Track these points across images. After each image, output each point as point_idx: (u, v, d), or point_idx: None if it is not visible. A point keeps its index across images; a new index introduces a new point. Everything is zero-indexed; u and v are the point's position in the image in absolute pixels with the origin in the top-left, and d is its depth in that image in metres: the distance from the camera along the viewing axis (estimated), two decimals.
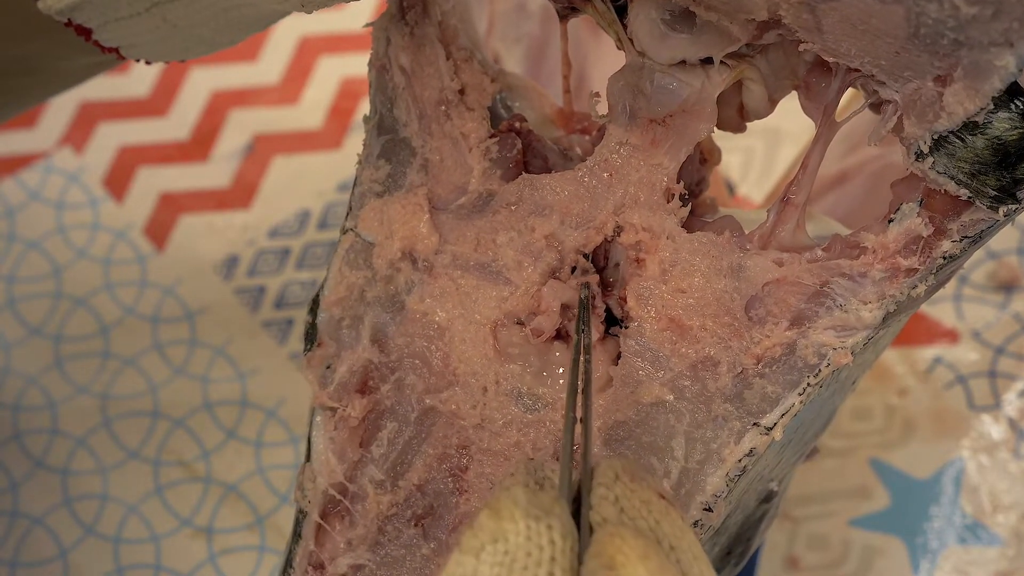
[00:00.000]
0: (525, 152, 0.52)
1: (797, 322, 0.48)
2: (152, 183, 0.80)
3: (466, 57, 0.53)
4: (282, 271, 0.77)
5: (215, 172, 0.80)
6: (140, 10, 0.52)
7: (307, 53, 0.84)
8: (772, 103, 0.51)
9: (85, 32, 0.54)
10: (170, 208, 0.79)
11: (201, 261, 0.78)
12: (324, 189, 0.80)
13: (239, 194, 0.80)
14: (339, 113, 0.82)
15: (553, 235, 0.50)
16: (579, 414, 0.47)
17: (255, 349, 0.75)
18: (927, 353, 0.73)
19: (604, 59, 0.65)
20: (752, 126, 0.53)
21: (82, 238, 0.78)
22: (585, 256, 0.50)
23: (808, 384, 0.48)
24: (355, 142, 0.81)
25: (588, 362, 0.47)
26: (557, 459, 0.51)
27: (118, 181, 0.80)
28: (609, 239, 0.50)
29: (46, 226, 0.79)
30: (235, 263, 0.77)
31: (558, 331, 0.51)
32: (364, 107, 0.82)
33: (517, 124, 0.53)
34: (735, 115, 0.51)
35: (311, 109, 0.82)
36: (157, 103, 0.82)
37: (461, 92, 0.52)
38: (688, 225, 0.50)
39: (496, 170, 0.51)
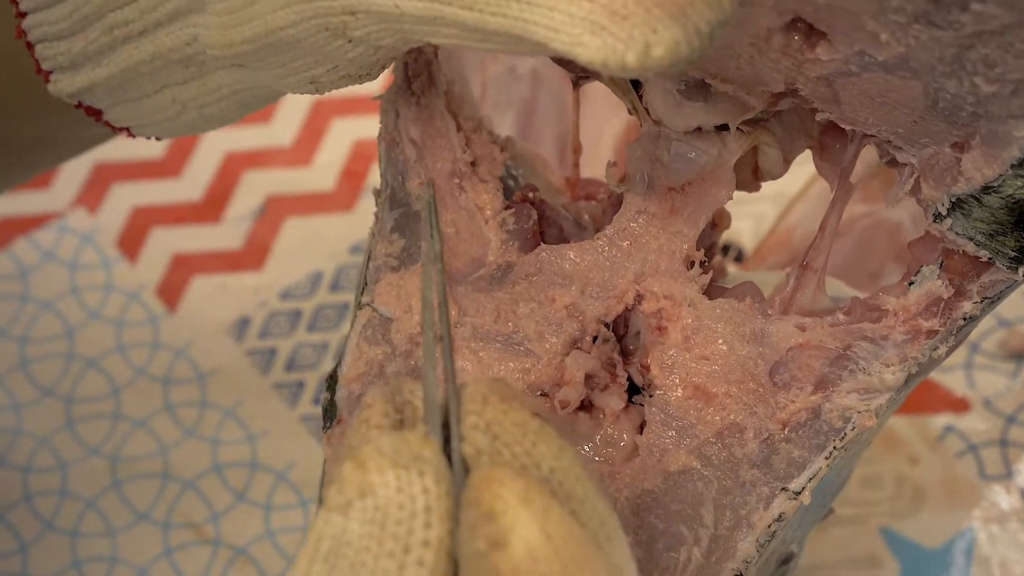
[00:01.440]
0: (540, 221, 0.52)
1: (821, 386, 0.49)
2: (165, 244, 0.80)
3: (475, 127, 0.54)
4: (293, 333, 0.77)
5: (228, 233, 0.81)
6: (150, 92, 0.53)
7: (320, 115, 0.84)
8: (787, 163, 0.51)
9: (95, 113, 0.55)
10: (183, 269, 0.79)
11: (213, 322, 0.78)
12: (336, 251, 0.80)
13: (251, 255, 0.80)
14: (352, 176, 0.82)
15: (574, 305, 0.50)
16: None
17: (266, 411, 0.75)
18: (938, 421, 0.73)
19: (591, 112, 0.65)
20: (762, 192, 0.53)
21: (95, 299, 0.78)
22: (606, 325, 0.51)
23: (834, 447, 0.48)
24: (368, 204, 0.81)
25: (440, 272, 0.45)
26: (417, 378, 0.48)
27: (131, 242, 0.80)
28: (630, 307, 0.51)
29: (59, 287, 0.79)
30: (246, 325, 0.78)
31: (581, 401, 0.51)
32: (377, 170, 0.82)
33: (530, 194, 0.53)
34: (750, 176, 0.51)
35: (324, 171, 0.83)
36: (170, 164, 0.83)
37: (473, 164, 0.53)
38: (707, 291, 0.51)
39: (514, 241, 0.52)
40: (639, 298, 0.50)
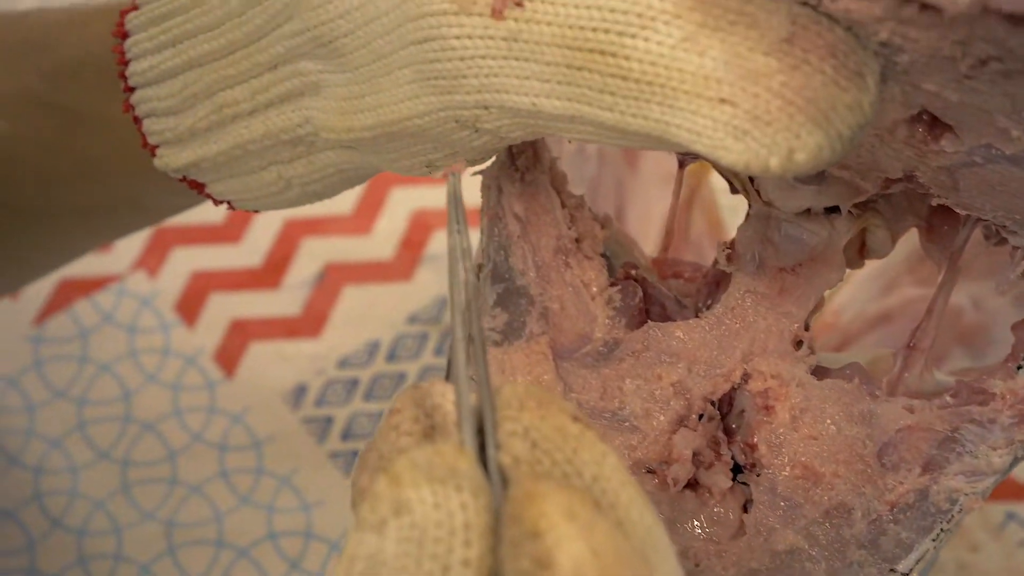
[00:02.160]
0: (644, 299, 0.53)
1: (929, 468, 0.49)
2: (223, 309, 0.80)
3: (577, 204, 0.54)
4: (350, 402, 0.77)
5: (286, 300, 0.80)
6: (256, 168, 0.53)
7: (380, 184, 0.84)
8: (894, 242, 0.51)
9: (198, 186, 0.55)
10: (241, 335, 0.79)
11: (270, 389, 0.77)
12: (394, 320, 0.80)
13: (309, 323, 0.80)
14: (410, 245, 0.82)
15: (681, 383, 0.50)
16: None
17: (321, 480, 0.74)
18: (999, 509, 0.73)
19: (641, 191, 0.65)
20: None
21: (153, 362, 0.78)
22: (712, 403, 0.51)
23: (941, 529, 0.48)
24: (426, 274, 0.81)
25: (470, 269, 0.43)
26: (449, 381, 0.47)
27: (190, 306, 0.80)
28: (736, 386, 0.51)
29: (118, 349, 0.78)
30: (303, 392, 0.77)
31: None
32: (436, 240, 0.82)
33: (632, 271, 0.53)
34: (855, 255, 0.52)
35: (382, 240, 0.83)
36: (230, 230, 0.83)
37: (578, 240, 0.53)
38: (813, 371, 0.51)
39: (621, 318, 0.52)
40: (746, 377, 0.50)
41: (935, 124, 0.44)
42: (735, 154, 0.41)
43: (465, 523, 0.37)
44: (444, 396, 0.41)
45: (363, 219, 0.83)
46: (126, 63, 0.54)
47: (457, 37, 0.44)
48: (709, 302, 0.55)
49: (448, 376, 0.53)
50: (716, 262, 0.55)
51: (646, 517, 0.39)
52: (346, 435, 0.76)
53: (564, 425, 0.39)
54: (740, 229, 0.51)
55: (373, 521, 0.37)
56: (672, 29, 0.41)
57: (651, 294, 0.53)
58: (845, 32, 0.41)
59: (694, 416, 0.50)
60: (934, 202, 0.47)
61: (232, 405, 0.77)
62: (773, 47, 0.40)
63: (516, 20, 0.43)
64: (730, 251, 0.51)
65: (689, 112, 0.41)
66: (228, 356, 0.79)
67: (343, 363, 0.79)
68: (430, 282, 0.81)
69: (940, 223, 0.50)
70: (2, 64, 0.59)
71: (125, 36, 0.54)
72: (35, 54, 0.59)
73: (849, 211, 0.50)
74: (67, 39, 0.58)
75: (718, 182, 0.59)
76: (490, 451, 0.39)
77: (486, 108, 0.45)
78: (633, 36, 0.42)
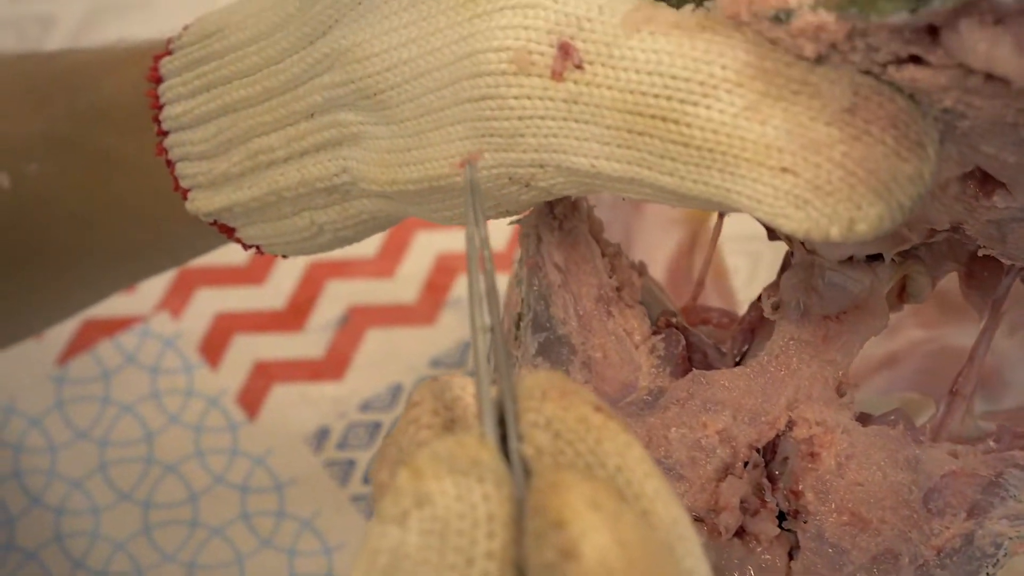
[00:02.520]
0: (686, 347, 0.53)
1: (974, 513, 0.49)
2: (247, 351, 0.80)
3: (616, 252, 0.54)
4: (372, 445, 0.77)
5: (309, 342, 0.80)
6: (289, 214, 0.53)
7: (404, 227, 0.84)
8: (934, 286, 0.52)
9: (229, 230, 0.55)
10: (264, 377, 0.79)
11: (292, 431, 0.77)
12: (416, 364, 0.80)
13: (332, 365, 0.80)
14: (434, 288, 0.82)
15: (726, 431, 0.50)
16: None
17: (343, 523, 0.74)
18: None
19: (646, 235, 0.65)
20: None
21: (175, 404, 0.78)
22: (756, 451, 0.51)
23: (987, 573, 0.48)
24: (449, 318, 0.81)
25: (489, 259, 0.43)
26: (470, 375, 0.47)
27: (213, 348, 0.80)
28: (780, 433, 0.51)
29: (141, 390, 0.78)
30: (326, 435, 0.77)
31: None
32: (460, 284, 0.82)
33: (673, 319, 0.53)
34: (895, 299, 0.52)
35: (406, 283, 0.83)
36: (254, 271, 0.82)
37: (618, 289, 0.53)
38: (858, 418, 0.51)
39: (665, 367, 0.52)
40: (791, 424, 0.50)
41: (987, 180, 0.45)
42: (796, 222, 0.41)
43: (488, 514, 0.37)
44: (463, 389, 0.41)
45: (387, 262, 0.83)
46: (160, 107, 0.54)
47: (516, 97, 0.44)
48: (745, 348, 0.55)
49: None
50: (751, 309, 0.56)
51: (671, 508, 0.38)
52: (368, 478, 0.76)
53: (587, 415, 0.39)
54: (784, 277, 0.51)
55: (395, 514, 0.37)
56: (734, 98, 0.42)
57: (692, 342, 0.53)
58: (906, 101, 0.41)
59: (740, 464, 0.50)
60: (980, 252, 0.48)
61: (254, 447, 0.77)
62: (835, 117, 0.41)
63: (576, 83, 0.44)
64: (775, 299, 0.51)
65: (750, 180, 0.41)
66: (251, 398, 0.78)
67: (365, 406, 0.78)
68: (454, 326, 0.81)
69: (981, 269, 0.50)
70: (34, 105, 0.59)
71: (159, 80, 0.54)
72: (67, 96, 0.59)
73: (892, 259, 0.50)
74: (99, 81, 0.58)
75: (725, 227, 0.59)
76: (512, 442, 0.38)
77: (542, 167, 0.45)
78: (695, 104, 0.42)
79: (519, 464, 0.38)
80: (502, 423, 0.39)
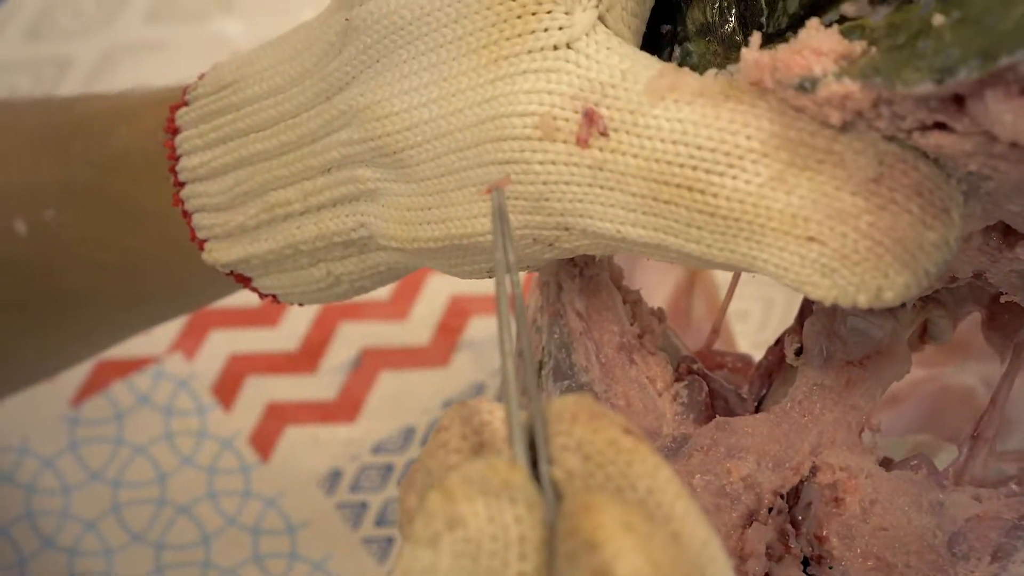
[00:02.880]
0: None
1: (997, 556, 0.49)
2: (260, 393, 0.80)
3: (636, 299, 0.54)
4: (384, 488, 0.77)
5: (322, 384, 0.80)
6: (306, 265, 0.53)
7: (417, 270, 0.85)
8: (955, 328, 0.52)
9: (245, 280, 0.55)
10: (276, 418, 0.79)
11: (305, 474, 0.77)
12: (429, 407, 0.80)
13: (345, 408, 0.80)
14: (447, 330, 0.82)
15: (750, 477, 0.50)
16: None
17: (355, 566, 0.74)
18: None
19: (643, 276, 0.66)
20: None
21: (188, 445, 0.78)
22: (780, 496, 0.51)
23: None
24: (462, 360, 0.81)
25: (517, 283, 0.43)
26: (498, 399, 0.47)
27: (227, 389, 0.80)
28: (804, 479, 0.51)
29: (154, 431, 0.78)
30: (338, 477, 0.77)
31: None
32: (473, 326, 0.82)
33: (694, 366, 0.53)
34: (916, 340, 0.52)
35: (419, 325, 0.83)
36: (268, 313, 0.83)
37: (640, 336, 0.53)
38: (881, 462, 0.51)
39: (688, 413, 0.52)
40: (814, 470, 0.50)
41: (1009, 233, 0.45)
42: (823, 290, 0.41)
43: (520, 536, 0.37)
44: (491, 413, 0.41)
45: (400, 304, 0.83)
46: (177, 158, 0.54)
47: (541, 163, 0.45)
48: (764, 392, 0.55)
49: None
50: (768, 353, 0.56)
51: (701, 530, 0.38)
52: (380, 521, 0.76)
53: (616, 438, 0.39)
54: (807, 323, 0.51)
55: (427, 536, 0.37)
56: (760, 168, 0.42)
57: (714, 388, 0.53)
58: (931, 168, 0.41)
59: (764, 510, 0.50)
60: (1003, 299, 0.48)
61: (267, 489, 0.77)
62: (860, 187, 0.41)
63: (601, 150, 0.44)
64: (798, 345, 0.51)
65: (777, 248, 0.42)
66: (263, 440, 0.78)
67: (378, 449, 0.78)
68: (466, 368, 0.81)
69: (1002, 312, 0.50)
70: (51, 153, 0.59)
71: (176, 132, 0.54)
72: (83, 144, 0.59)
73: (913, 304, 0.50)
74: (116, 130, 0.58)
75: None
76: (542, 465, 0.39)
77: (567, 230, 0.45)
78: (721, 174, 0.42)
79: (550, 487, 0.39)
80: (532, 447, 0.39)
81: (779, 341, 0.55)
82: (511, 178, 0.45)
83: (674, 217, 0.43)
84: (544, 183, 0.45)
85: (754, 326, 0.80)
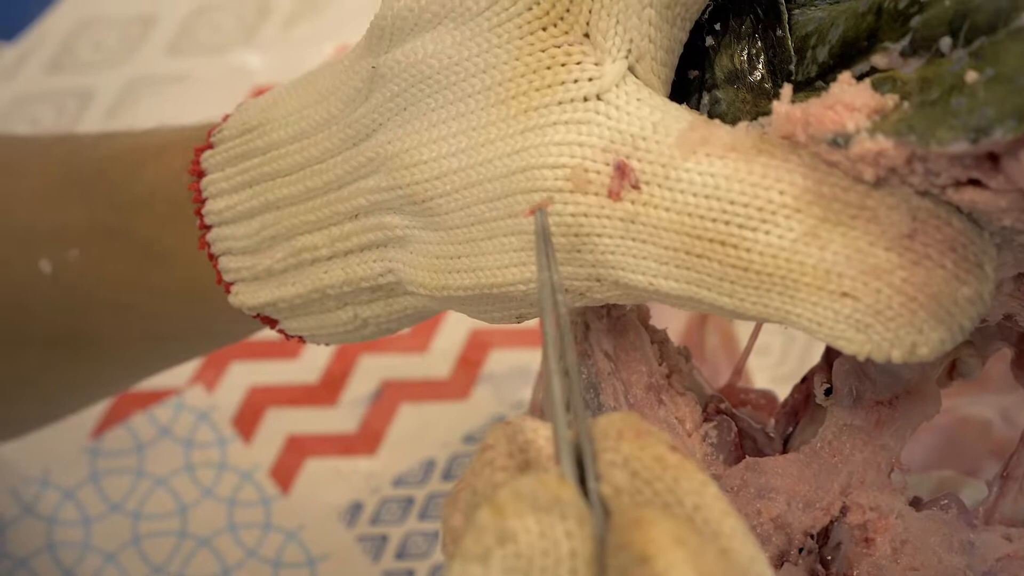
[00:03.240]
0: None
1: None
2: (280, 425, 0.80)
3: (664, 339, 0.54)
4: (405, 521, 0.77)
5: (342, 417, 0.80)
6: (333, 308, 0.53)
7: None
8: (983, 365, 0.52)
9: (271, 322, 0.55)
10: (297, 451, 0.79)
11: (325, 506, 0.77)
12: (450, 440, 0.80)
13: (365, 440, 0.80)
14: (467, 363, 0.82)
15: (781, 517, 0.50)
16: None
17: None
18: None
19: (656, 304, 0.66)
20: None
21: (209, 477, 0.78)
22: (811, 536, 0.51)
23: None
24: (483, 393, 0.81)
25: (562, 304, 0.43)
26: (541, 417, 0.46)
27: (247, 421, 0.80)
28: (834, 519, 0.50)
29: (174, 463, 0.78)
30: (359, 510, 0.77)
31: None
32: (493, 359, 0.82)
33: (721, 405, 0.53)
34: (944, 376, 0.52)
35: (439, 358, 0.83)
36: (288, 345, 0.82)
37: (668, 376, 0.53)
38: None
39: (718, 454, 0.51)
40: (844, 510, 0.50)
41: None
42: (857, 345, 0.42)
43: (571, 551, 0.37)
44: (536, 431, 0.41)
45: (420, 337, 0.83)
46: (202, 201, 0.54)
47: (573, 215, 0.44)
48: (790, 430, 0.55)
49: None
50: (794, 392, 0.56)
51: (749, 547, 0.38)
52: (401, 554, 0.76)
53: (663, 455, 0.39)
54: (837, 364, 0.51)
55: (477, 552, 0.37)
56: (793, 223, 0.42)
57: (742, 428, 0.53)
58: (964, 223, 0.41)
59: (795, 550, 0.50)
60: None
61: (287, 522, 0.77)
62: (894, 242, 0.41)
63: (633, 202, 0.44)
64: (828, 386, 0.51)
65: (810, 303, 0.42)
66: (284, 472, 0.78)
67: (399, 481, 0.78)
68: (487, 401, 0.81)
69: None
70: (76, 193, 0.59)
71: (201, 174, 0.54)
72: (108, 185, 0.58)
73: None
74: (141, 172, 0.58)
75: None
76: (590, 482, 0.39)
77: (599, 281, 0.45)
78: (754, 229, 0.42)
79: (598, 502, 0.39)
80: (579, 464, 0.39)
81: (805, 379, 0.55)
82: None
83: (707, 271, 0.43)
84: (575, 235, 0.45)
85: (774, 360, 0.80)
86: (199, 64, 0.92)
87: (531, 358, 0.81)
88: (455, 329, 0.84)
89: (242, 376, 0.81)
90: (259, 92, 0.89)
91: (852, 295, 0.41)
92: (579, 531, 0.37)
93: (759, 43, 0.46)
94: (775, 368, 0.80)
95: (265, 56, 0.92)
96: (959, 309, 0.41)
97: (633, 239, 0.44)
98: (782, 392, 0.58)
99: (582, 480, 0.39)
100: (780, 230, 0.42)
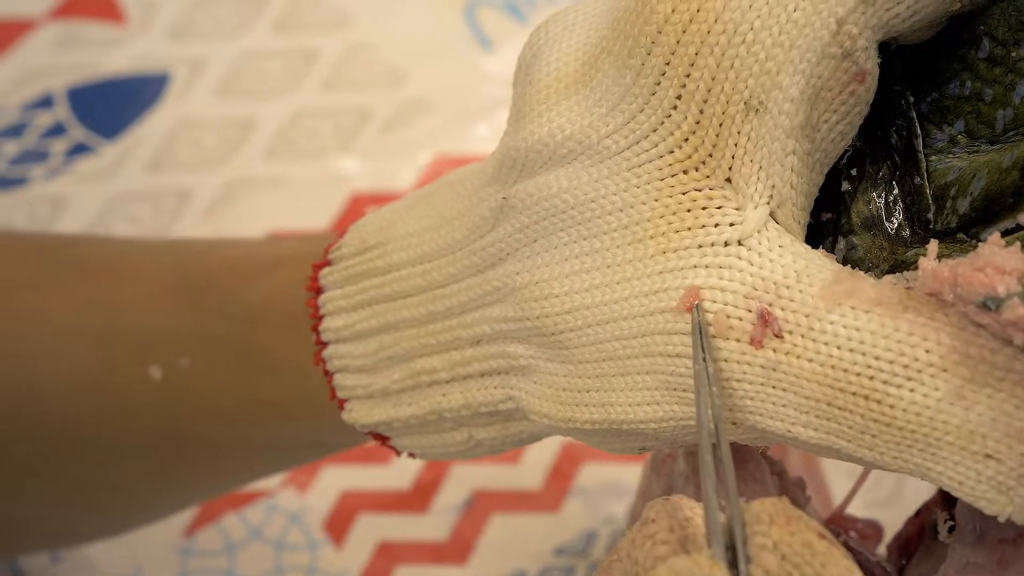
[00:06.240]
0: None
1: None
2: (371, 530, 0.80)
3: (781, 470, 0.53)
4: None
5: (433, 525, 0.80)
6: (448, 429, 0.53)
7: None
8: None
9: (382, 438, 0.55)
10: (387, 558, 0.79)
11: None
12: (540, 551, 0.79)
13: (456, 549, 0.79)
14: (560, 476, 0.82)
15: None
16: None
17: None
18: None
19: None
20: None
21: None
22: None
23: None
24: (574, 506, 0.81)
25: (716, 394, 0.44)
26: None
27: (338, 526, 0.80)
28: None
29: (265, 565, 0.78)
30: None
31: None
32: (585, 472, 0.82)
33: (840, 538, 0.53)
34: None
35: (532, 469, 0.82)
36: (380, 451, 0.82)
37: None
38: None
39: None
40: None
41: None
42: (998, 507, 0.42)
43: None
44: (693, 510, 0.42)
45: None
46: (320, 318, 0.54)
47: (713, 360, 0.45)
48: (903, 563, 0.54)
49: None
50: (907, 524, 0.55)
51: None
52: None
53: (812, 541, 0.40)
54: (960, 501, 0.51)
55: None
56: (938, 382, 0.42)
57: (860, 561, 0.52)
58: None
59: None
60: None
61: None
62: None
63: (775, 351, 0.44)
64: (952, 523, 0.51)
65: (952, 463, 0.42)
66: None
67: None
68: (578, 514, 0.80)
69: None
70: (187, 302, 0.59)
71: (319, 291, 0.54)
72: (219, 294, 0.59)
73: None
74: (254, 282, 0.58)
75: None
76: (741, 564, 0.40)
77: (735, 424, 0.45)
78: (899, 386, 0.42)
79: None
80: (731, 547, 0.41)
81: (919, 513, 0.54)
82: (681, 371, 0.45)
83: (848, 423, 0.43)
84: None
85: (868, 484, 0.79)
86: (296, 168, 0.93)
87: (623, 472, 0.81)
88: (548, 441, 0.82)
89: (334, 480, 0.81)
90: (355, 197, 0.90)
91: (996, 457, 0.41)
92: None
93: (896, 190, 0.46)
94: (870, 493, 0.79)
95: (361, 162, 0.93)
96: None
97: (774, 387, 0.44)
98: (879, 518, 0.58)
99: (734, 563, 0.40)
100: (925, 388, 0.42)
